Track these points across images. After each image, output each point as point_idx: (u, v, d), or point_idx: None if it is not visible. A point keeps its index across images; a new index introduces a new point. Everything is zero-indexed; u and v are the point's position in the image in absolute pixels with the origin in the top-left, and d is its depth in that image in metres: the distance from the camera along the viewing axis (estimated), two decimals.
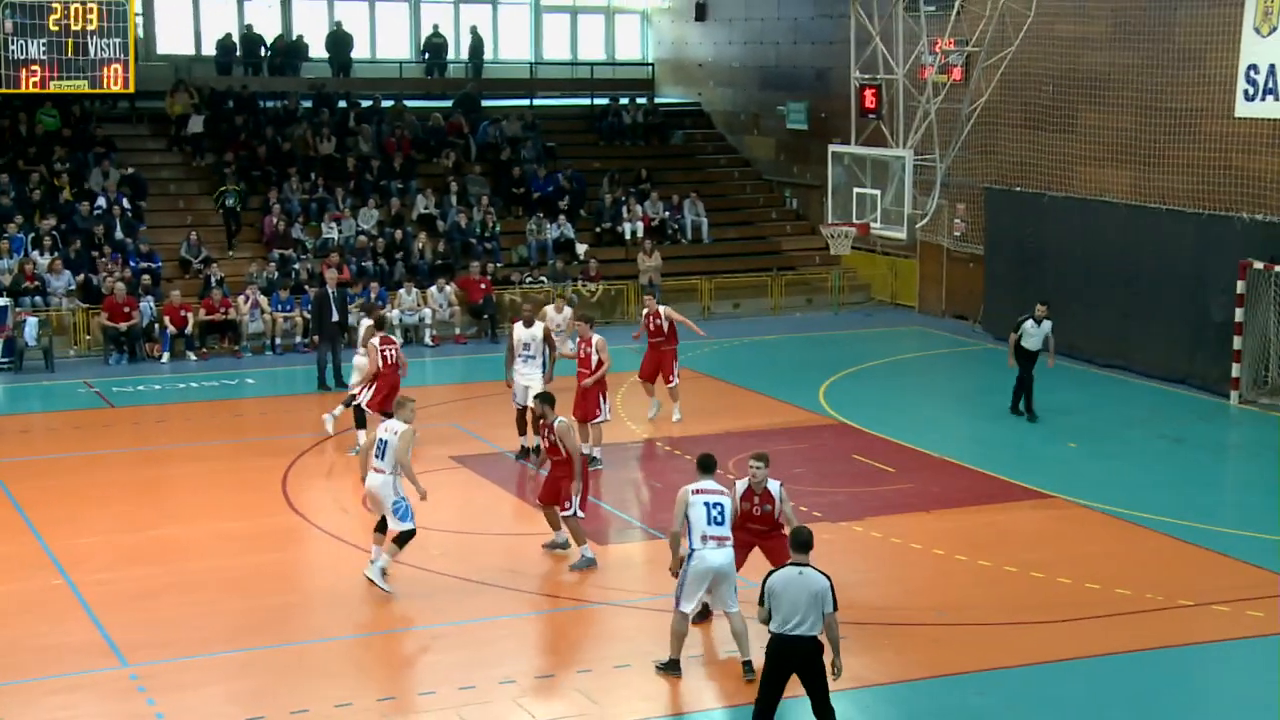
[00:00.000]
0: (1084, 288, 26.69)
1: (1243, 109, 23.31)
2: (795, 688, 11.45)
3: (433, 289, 29.49)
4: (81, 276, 28.33)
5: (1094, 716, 12.67)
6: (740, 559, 13.46)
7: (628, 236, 33.38)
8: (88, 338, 27.80)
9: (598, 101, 38.82)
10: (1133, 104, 26.19)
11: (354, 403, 20.18)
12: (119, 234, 29.57)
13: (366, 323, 20.84)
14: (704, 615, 13.95)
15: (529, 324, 20.20)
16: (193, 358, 27.48)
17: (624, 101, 38.27)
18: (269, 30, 37.55)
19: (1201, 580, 15.80)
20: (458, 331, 29.46)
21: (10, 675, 13.23)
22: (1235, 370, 23.75)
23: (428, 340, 28.95)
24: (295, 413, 23.58)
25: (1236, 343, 23.66)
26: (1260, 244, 23.52)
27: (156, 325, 27.54)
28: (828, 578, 11.26)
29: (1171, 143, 25.43)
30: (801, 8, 35.85)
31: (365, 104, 35.40)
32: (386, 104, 35.59)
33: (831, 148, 27.43)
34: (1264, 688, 13.14)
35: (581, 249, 32.57)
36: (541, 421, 16.14)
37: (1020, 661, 13.68)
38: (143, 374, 26.29)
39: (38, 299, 27.67)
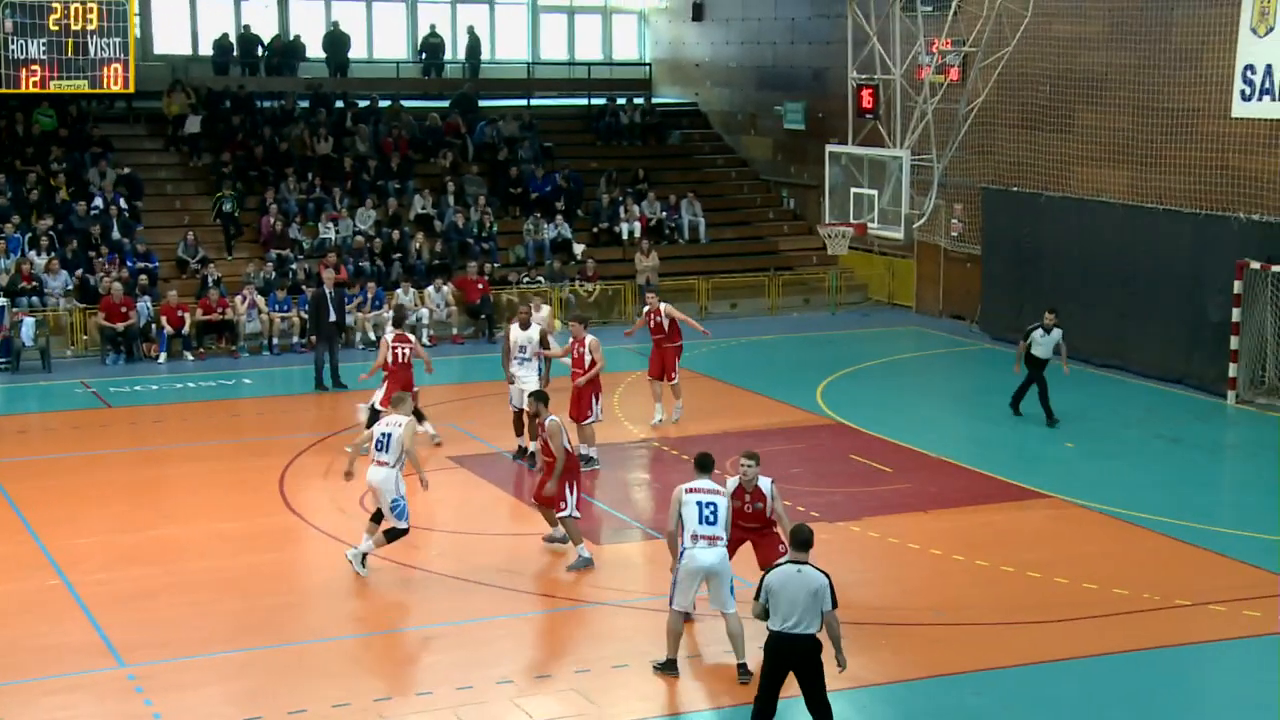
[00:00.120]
0: (1081, 288, 26.70)
1: (1240, 109, 23.33)
2: (793, 687, 11.45)
3: (430, 289, 29.50)
4: (79, 276, 28.33)
5: (1091, 716, 12.68)
6: (729, 554, 13.46)
7: (625, 236, 33.38)
8: (85, 338, 27.80)
9: (595, 101, 38.83)
10: (1130, 104, 26.21)
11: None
12: (116, 234, 29.56)
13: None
14: (686, 616, 13.94)
15: (525, 325, 20.20)
16: (190, 358, 27.47)
17: (621, 101, 38.28)
18: (266, 30, 37.54)
19: (1198, 580, 15.81)
20: (455, 331, 29.46)
21: (8, 676, 13.22)
22: (1232, 370, 23.76)
23: (425, 340, 28.86)
24: (292, 413, 23.60)
25: (1233, 343, 23.67)
26: (1257, 244, 23.54)
27: (153, 325, 27.52)
28: (826, 575, 11.27)
29: (1168, 143, 25.45)
30: (798, 8, 35.86)
31: (362, 104, 35.40)
32: (384, 104, 35.58)
33: (829, 148, 27.43)
34: (1261, 687, 13.15)
35: (579, 249, 32.58)
36: (535, 420, 16.20)
37: (1017, 661, 13.68)
38: (140, 374, 26.28)
39: (34, 299, 27.66)
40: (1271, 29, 22.66)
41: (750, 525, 13.72)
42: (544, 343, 20.22)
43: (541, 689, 13.05)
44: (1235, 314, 23.54)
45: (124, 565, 16.20)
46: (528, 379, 19.82)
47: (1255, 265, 23.33)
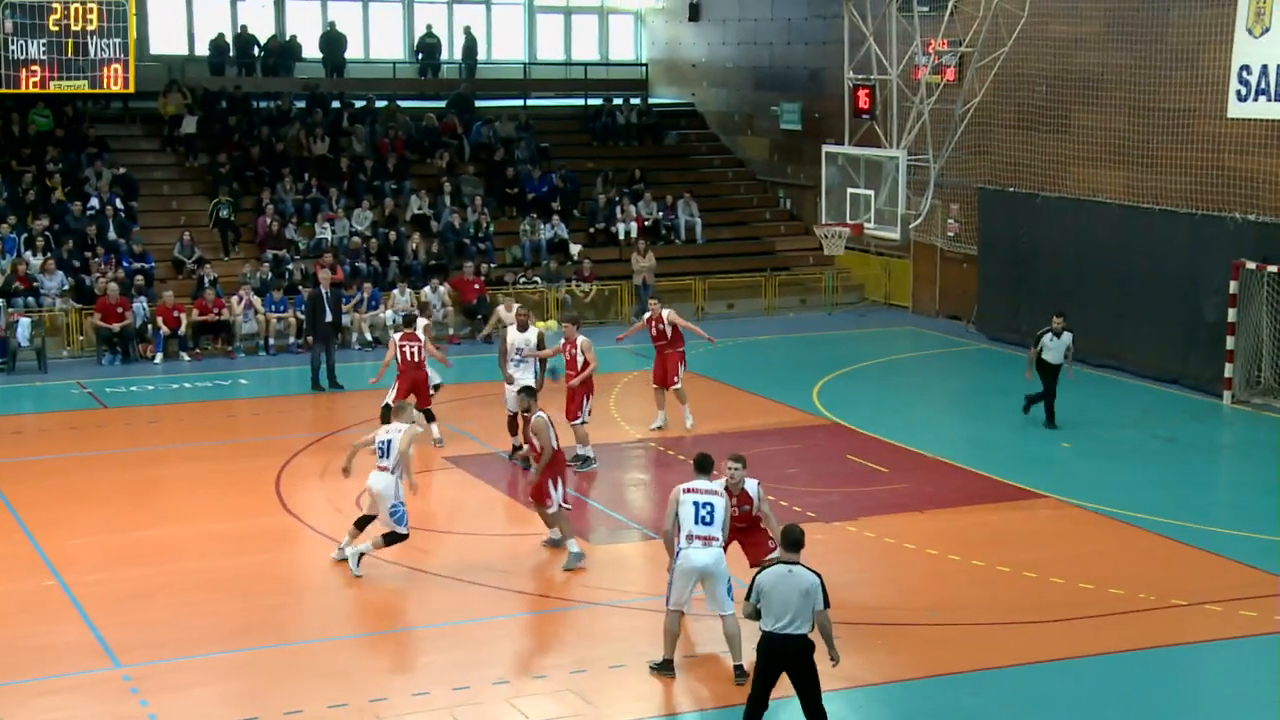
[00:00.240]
0: (1077, 288, 26.70)
1: (1235, 109, 23.36)
2: (786, 688, 11.45)
3: (426, 289, 29.47)
4: (75, 276, 28.31)
5: (1087, 716, 12.68)
6: None
7: (621, 237, 33.38)
8: (81, 338, 27.78)
9: (591, 102, 38.82)
10: (1126, 104, 26.22)
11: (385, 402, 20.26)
12: (112, 234, 29.53)
13: (423, 322, 21.20)
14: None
15: (523, 328, 20.22)
16: (186, 358, 27.46)
17: (618, 102, 38.28)
18: (262, 31, 37.50)
19: (1195, 580, 15.81)
20: (451, 332, 29.44)
21: (3, 676, 13.21)
22: (1228, 370, 23.78)
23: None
24: (288, 413, 23.59)
25: (1229, 343, 23.69)
26: (1253, 244, 23.56)
27: (150, 326, 27.50)
28: (818, 575, 11.27)
29: (1164, 143, 25.46)
30: (795, 8, 35.86)
31: (359, 104, 35.37)
32: (380, 104, 35.55)
33: (825, 148, 27.40)
34: (1257, 687, 13.16)
35: (575, 249, 32.57)
36: (525, 414, 16.25)
37: (1013, 661, 13.69)
38: (136, 375, 26.27)
39: (30, 300, 27.64)
40: (1267, 29, 22.70)
41: (737, 526, 13.73)
42: (541, 344, 20.27)
43: (538, 689, 13.04)
44: (1231, 314, 23.56)
45: (120, 566, 16.20)
46: (525, 380, 19.82)
47: (1251, 265, 23.34)
